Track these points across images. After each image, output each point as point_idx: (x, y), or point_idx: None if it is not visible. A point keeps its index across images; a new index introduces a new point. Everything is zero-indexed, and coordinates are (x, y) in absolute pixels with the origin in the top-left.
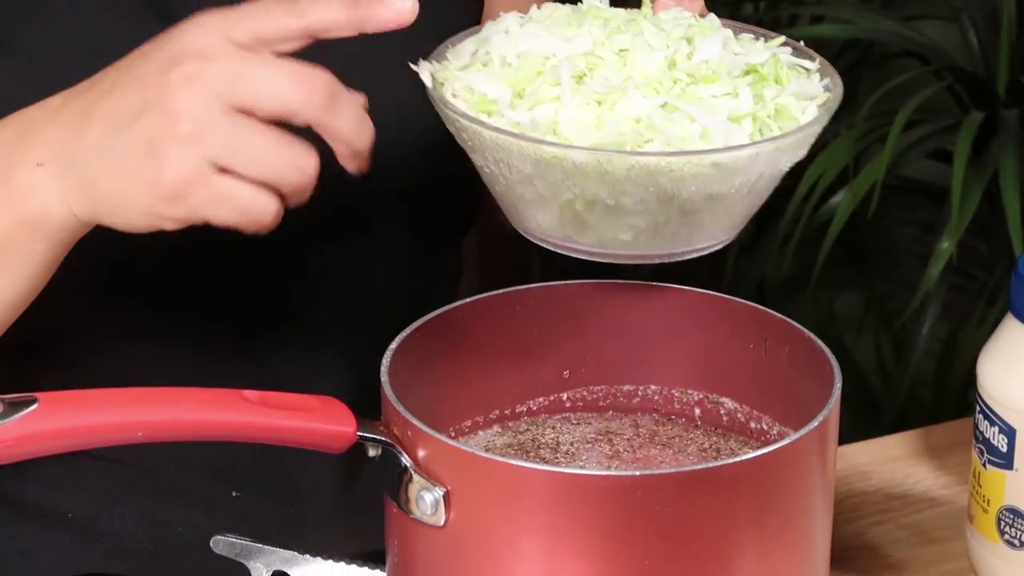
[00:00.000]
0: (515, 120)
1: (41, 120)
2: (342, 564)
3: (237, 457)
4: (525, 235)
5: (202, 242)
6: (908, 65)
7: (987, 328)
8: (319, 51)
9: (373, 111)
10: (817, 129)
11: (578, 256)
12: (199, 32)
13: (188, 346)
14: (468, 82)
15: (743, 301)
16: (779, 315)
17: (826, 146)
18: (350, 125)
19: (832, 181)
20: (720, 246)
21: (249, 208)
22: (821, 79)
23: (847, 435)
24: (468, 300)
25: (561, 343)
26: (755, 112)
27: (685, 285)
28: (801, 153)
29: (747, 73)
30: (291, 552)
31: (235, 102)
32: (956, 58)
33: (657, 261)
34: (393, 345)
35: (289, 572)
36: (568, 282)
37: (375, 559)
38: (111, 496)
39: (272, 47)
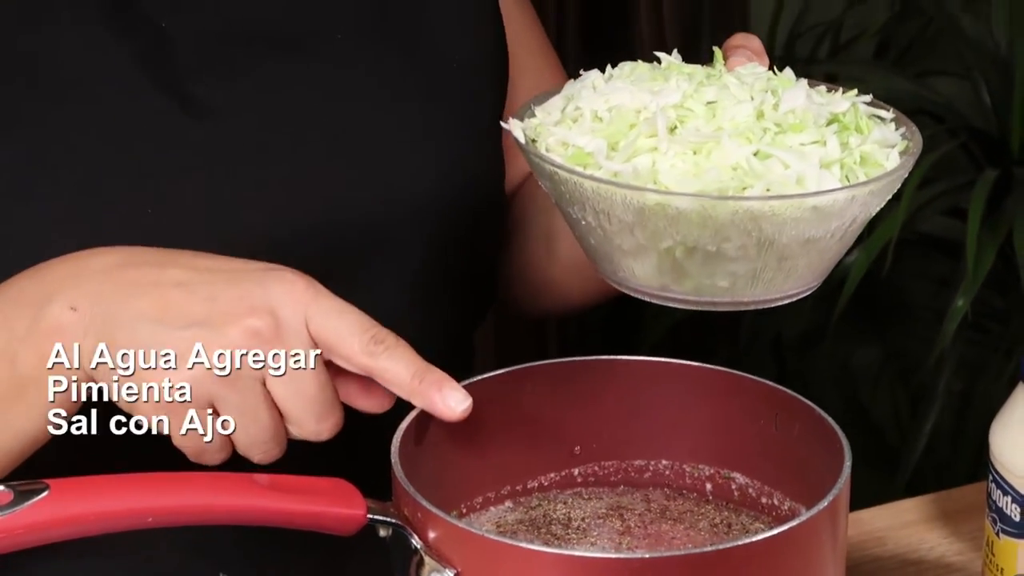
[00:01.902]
0: (615, 170)
1: (95, 270)
2: None
3: (223, 535)
4: (618, 286)
5: None
6: (922, 123)
7: (1004, 382)
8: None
9: (386, 204)
10: (904, 174)
11: (673, 305)
12: (288, 299)
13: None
14: (562, 136)
15: (754, 377)
16: (790, 391)
17: None
18: None
19: None
20: (808, 292)
21: (205, 453)
22: (896, 128)
23: (864, 491)
24: (478, 378)
25: (572, 419)
26: (843, 159)
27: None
28: (887, 198)
29: (830, 123)
30: None
31: (270, 386)
32: (970, 116)
33: (752, 308)
34: (403, 425)
35: None
36: (577, 359)
37: None
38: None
39: (332, 359)
